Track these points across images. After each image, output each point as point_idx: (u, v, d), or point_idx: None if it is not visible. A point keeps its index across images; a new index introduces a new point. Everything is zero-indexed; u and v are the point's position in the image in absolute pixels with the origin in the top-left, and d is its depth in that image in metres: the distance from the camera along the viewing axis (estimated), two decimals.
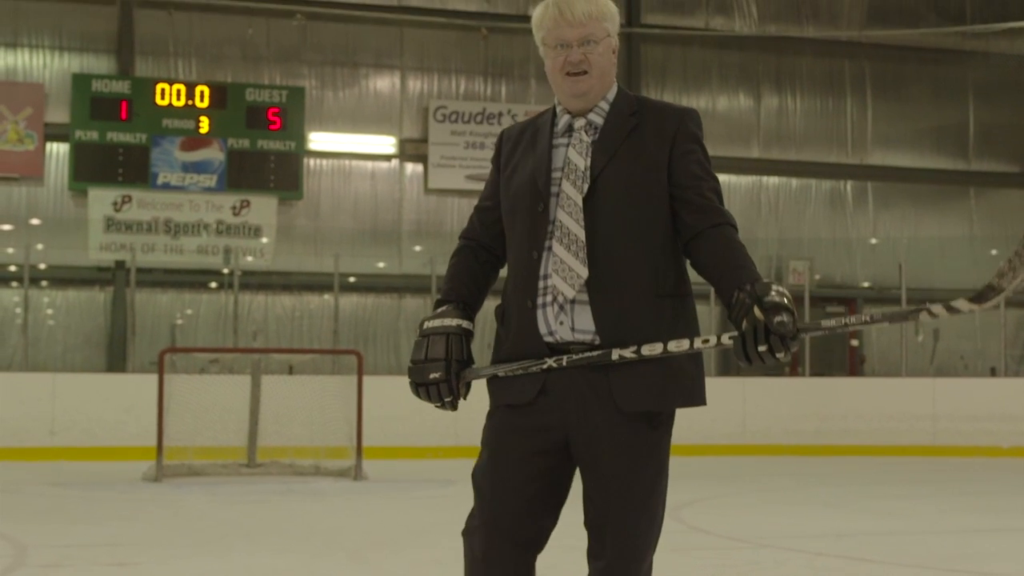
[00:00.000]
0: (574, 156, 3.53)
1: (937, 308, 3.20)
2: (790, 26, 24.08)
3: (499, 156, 3.75)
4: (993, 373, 20.87)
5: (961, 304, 3.16)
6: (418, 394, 3.58)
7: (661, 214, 3.55)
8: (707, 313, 18.05)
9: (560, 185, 3.52)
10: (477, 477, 3.61)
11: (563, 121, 3.62)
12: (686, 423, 17.02)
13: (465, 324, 3.60)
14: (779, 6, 24.07)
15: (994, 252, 22.96)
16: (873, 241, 24.02)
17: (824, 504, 11.73)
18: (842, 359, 22.64)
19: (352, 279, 20.84)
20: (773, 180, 23.92)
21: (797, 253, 23.20)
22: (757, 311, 3.26)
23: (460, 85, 22.55)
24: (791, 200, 23.98)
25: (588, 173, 3.50)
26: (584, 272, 3.42)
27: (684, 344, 3.40)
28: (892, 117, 24.55)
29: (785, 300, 3.27)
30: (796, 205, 23.98)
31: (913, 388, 18.45)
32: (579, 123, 3.59)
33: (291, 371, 15.67)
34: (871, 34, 24.24)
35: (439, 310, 3.63)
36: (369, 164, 22.12)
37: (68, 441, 15.86)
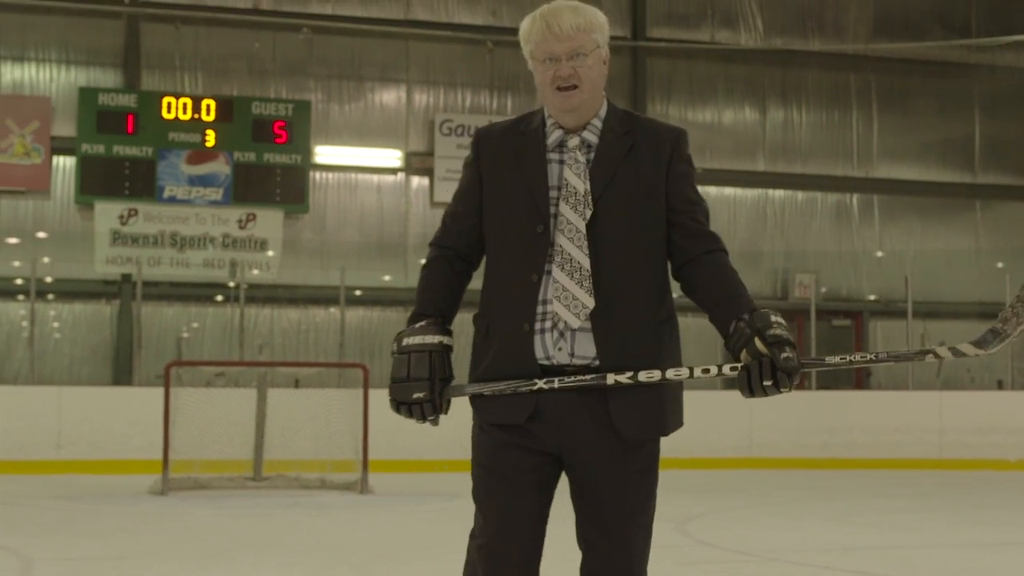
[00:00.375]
0: (572, 178, 3.48)
1: (943, 351, 3.28)
2: (796, 39, 24.10)
3: (478, 161, 3.63)
4: (1000, 386, 20.84)
5: (966, 348, 3.23)
6: (399, 411, 3.53)
7: (659, 239, 3.53)
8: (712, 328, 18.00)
9: (558, 207, 3.46)
10: (480, 496, 3.56)
11: (555, 136, 3.56)
12: (692, 436, 16.97)
13: (446, 340, 3.54)
14: (785, 19, 24.09)
15: (1000, 265, 22.94)
16: (879, 254, 24.01)
17: (831, 518, 11.71)
18: (849, 372, 22.60)
19: (358, 292, 20.87)
20: (779, 193, 23.92)
21: (803, 266, 23.20)
22: (760, 344, 3.29)
23: (466, 98, 22.58)
24: (797, 213, 23.98)
25: (589, 198, 3.45)
26: (590, 302, 3.39)
27: (684, 372, 3.42)
28: (898, 130, 24.56)
29: (787, 333, 3.31)
30: (802, 218, 23.98)
31: (920, 401, 18.42)
32: (573, 141, 3.53)
33: (297, 384, 15.67)
34: (877, 47, 24.25)
35: (418, 325, 3.55)
36: (375, 177, 22.14)
37: (74, 454, 15.86)
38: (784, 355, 3.26)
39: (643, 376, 3.37)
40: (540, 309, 3.44)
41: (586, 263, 3.41)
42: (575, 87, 3.49)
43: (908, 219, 24.42)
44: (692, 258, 3.53)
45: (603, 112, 3.61)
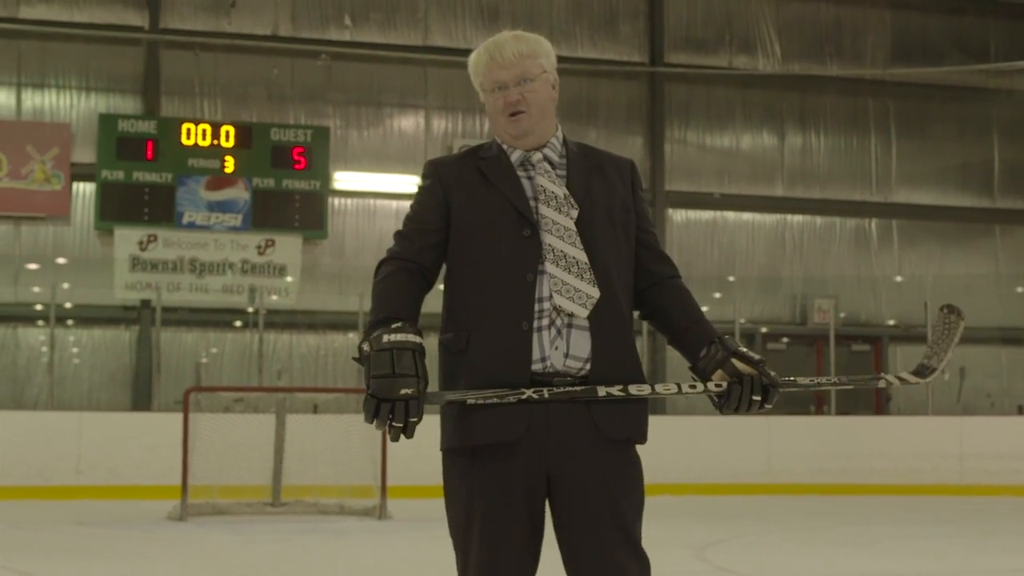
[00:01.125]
0: (547, 184, 3.53)
1: (891, 377, 3.63)
2: (813, 64, 24.10)
3: (441, 183, 3.60)
4: (1020, 411, 20.75)
5: (908, 377, 3.62)
6: (377, 413, 3.26)
7: (632, 252, 3.62)
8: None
9: (538, 211, 3.49)
10: (468, 540, 3.48)
11: (516, 155, 3.61)
12: (711, 462, 16.90)
13: (423, 343, 3.35)
14: (802, 45, 24.10)
15: (1020, 290, 22.88)
16: (898, 279, 23.95)
17: (850, 544, 11.66)
18: (868, 398, 22.54)
19: None
20: (797, 218, 23.89)
21: (822, 291, 23.15)
22: (741, 364, 3.43)
23: (484, 124, 22.60)
24: (816, 238, 23.94)
25: (571, 200, 3.50)
26: (595, 292, 3.41)
27: (672, 388, 3.47)
28: (916, 155, 24.52)
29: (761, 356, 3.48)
30: (821, 243, 23.94)
31: (939, 427, 18.35)
32: (536, 157, 3.60)
33: (316, 410, 15.68)
34: (895, 72, 24.24)
35: (395, 326, 3.33)
36: (394, 203, 22.17)
37: (93, 480, 15.89)
38: (772, 372, 3.43)
39: (633, 389, 3.40)
40: (537, 307, 3.42)
41: (583, 257, 3.44)
42: (522, 112, 3.57)
43: (927, 244, 24.36)
44: (658, 281, 3.65)
45: (559, 134, 3.70)
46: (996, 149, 24.88)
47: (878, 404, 22.57)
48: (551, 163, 3.60)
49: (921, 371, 3.59)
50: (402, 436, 3.30)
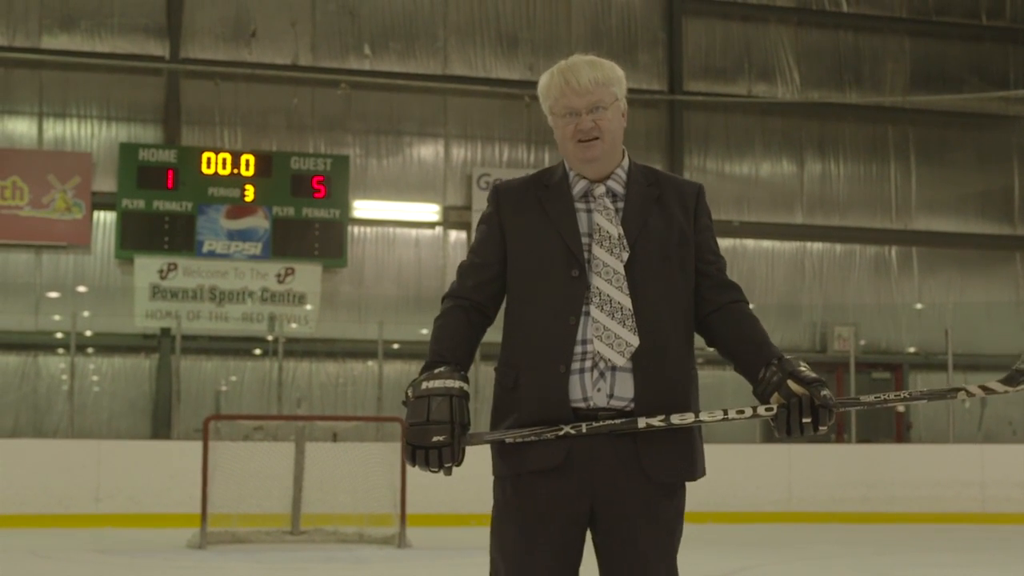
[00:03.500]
0: (603, 223, 3.51)
1: (974, 388, 3.41)
2: (833, 92, 24.10)
3: (499, 213, 3.64)
4: None
5: (995, 385, 3.39)
6: (414, 459, 3.38)
7: (691, 285, 3.58)
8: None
9: (591, 251, 3.48)
10: (509, 554, 3.49)
11: (580, 186, 3.59)
12: (731, 490, 16.85)
13: (466, 387, 3.45)
14: (821, 72, 24.11)
15: None
16: (919, 307, 23.88)
17: (872, 573, 11.61)
18: (889, 425, 22.45)
19: (396, 346, 20.89)
20: (817, 246, 23.85)
21: (842, 319, 23.09)
22: (795, 385, 3.36)
23: (503, 153, 22.65)
24: (835, 266, 23.90)
25: (624, 241, 3.48)
26: (635, 341, 3.39)
27: (718, 414, 3.41)
28: (936, 182, 24.47)
29: (818, 376, 3.38)
30: (840, 271, 23.89)
31: (961, 455, 18.26)
32: (599, 190, 3.58)
33: (335, 438, 15.67)
34: (914, 99, 24.22)
35: (437, 371, 3.45)
36: (413, 231, 22.21)
37: (113, 508, 15.89)
38: (823, 392, 3.33)
39: (676, 419, 3.36)
40: (579, 349, 3.42)
41: (627, 303, 3.42)
42: (596, 139, 3.54)
43: (947, 271, 24.29)
44: (719, 307, 3.61)
45: (625, 163, 3.66)
46: (1016, 176, 24.83)
47: (899, 432, 22.48)
48: (614, 194, 3.59)
49: (1012, 378, 3.39)
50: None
